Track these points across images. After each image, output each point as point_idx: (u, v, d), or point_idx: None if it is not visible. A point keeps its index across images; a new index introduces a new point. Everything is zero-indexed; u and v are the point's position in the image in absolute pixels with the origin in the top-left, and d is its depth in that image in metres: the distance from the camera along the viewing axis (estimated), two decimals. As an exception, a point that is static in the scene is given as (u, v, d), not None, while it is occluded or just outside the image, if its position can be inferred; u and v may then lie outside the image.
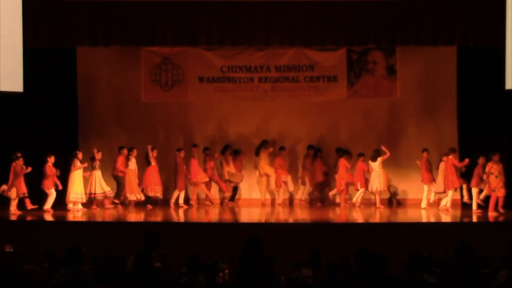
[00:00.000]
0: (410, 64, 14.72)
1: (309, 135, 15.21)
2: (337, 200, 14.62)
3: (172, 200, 14.29)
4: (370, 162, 14.01)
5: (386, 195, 14.51)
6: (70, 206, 13.48)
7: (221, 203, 14.87)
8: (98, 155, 13.84)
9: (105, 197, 13.98)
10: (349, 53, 14.63)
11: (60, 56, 14.43)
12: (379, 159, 13.88)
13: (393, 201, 14.63)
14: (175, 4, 12.94)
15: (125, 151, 14.06)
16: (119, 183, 14.10)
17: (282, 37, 13.11)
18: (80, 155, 13.61)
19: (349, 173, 14.30)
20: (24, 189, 13.12)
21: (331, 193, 14.77)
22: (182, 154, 14.29)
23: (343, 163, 14.31)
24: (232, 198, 14.86)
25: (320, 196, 14.85)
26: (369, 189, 14.05)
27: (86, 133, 15.07)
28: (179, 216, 13.56)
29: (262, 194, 14.87)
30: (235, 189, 14.93)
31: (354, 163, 14.38)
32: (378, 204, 14.02)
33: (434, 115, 14.95)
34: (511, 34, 12.46)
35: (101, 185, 13.85)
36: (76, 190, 13.49)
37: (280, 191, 14.79)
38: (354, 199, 14.28)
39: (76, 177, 13.51)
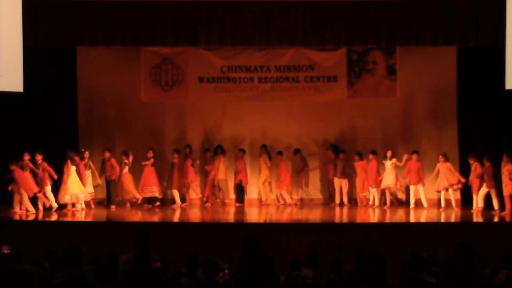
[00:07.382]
0: (410, 64, 14.72)
1: (309, 135, 15.19)
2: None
3: (177, 200, 14.25)
4: (383, 161, 14.02)
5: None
6: (78, 206, 13.50)
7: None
8: (86, 155, 13.83)
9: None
10: (349, 53, 14.67)
11: (60, 56, 14.42)
12: (394, 160, 13.91)
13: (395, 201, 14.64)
14: (175, 4, 12.94)
15: (107, 154, 14.02)
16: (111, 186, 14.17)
17: (282, 37, 13.11)
18: (73, 155, 13.59)
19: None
20: (36, 188, 13.09)
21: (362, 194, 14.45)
22: (175, 155, 14.21)
23: (361, 165, 14.24)
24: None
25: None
26: (381, 186, 14.06)
27: (86, 133, 15.04)
28: (179, 216, 13.55)
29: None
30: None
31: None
32: (388, 203, 14.05)
33: (434, 115, 14.94)
34: (511, 34, 12.46)
35: (91, 185, 13.88)
36: (75, 190, 13.49)
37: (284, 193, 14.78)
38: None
39: (74, 177, 13.50)
